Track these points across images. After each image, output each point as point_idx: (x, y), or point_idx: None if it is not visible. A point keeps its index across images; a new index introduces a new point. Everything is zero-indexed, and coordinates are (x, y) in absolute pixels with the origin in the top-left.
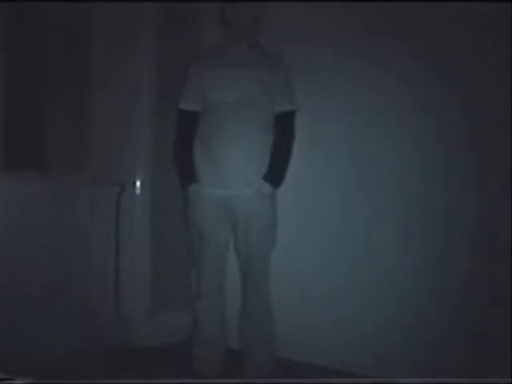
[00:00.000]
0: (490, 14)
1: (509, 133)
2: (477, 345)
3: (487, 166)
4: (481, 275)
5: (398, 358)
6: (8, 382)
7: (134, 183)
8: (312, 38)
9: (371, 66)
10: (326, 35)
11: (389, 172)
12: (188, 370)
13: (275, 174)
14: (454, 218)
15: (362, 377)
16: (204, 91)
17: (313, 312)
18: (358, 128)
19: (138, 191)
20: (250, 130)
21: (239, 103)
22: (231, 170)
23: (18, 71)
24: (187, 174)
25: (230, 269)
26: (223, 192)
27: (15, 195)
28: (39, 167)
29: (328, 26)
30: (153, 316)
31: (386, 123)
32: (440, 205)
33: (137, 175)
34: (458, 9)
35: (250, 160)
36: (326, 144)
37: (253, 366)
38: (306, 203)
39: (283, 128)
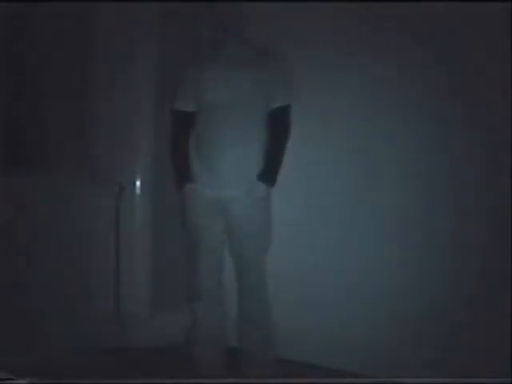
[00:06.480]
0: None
1: (509, 132)
2: (477, 345)
3: (488, 165)
4: (481, 275)
5: (398, 358)
6: (8, 381)
7: (134, 183)
8: (311, 36)
9: (371, 65)
10: (325, 34)
11: (389, 171)
12: (188, 370)
13: (269, 172)
14: (454, 218)
15: (362, 377)
16: (199, 91)
17: (313, 312)
18: (357, 127)
19: (138, 191)
20: (245, 131)
21: (234, 103)
22: (226, 169)
23: (18, 71)
24: (183, 173)
25: (229, 268)
26: (218, 192)
27: (15, 195)
28: (39, 167)
29: (327, 24)
30: (153, 316)
31: (386, 122)
32: (441, 205)
33: (137, 175)
34: (459, 8)
35: (245, 160)
36: (324, 143)
37: (253, 366)
38: (303, 204)
39: (278, 123)
